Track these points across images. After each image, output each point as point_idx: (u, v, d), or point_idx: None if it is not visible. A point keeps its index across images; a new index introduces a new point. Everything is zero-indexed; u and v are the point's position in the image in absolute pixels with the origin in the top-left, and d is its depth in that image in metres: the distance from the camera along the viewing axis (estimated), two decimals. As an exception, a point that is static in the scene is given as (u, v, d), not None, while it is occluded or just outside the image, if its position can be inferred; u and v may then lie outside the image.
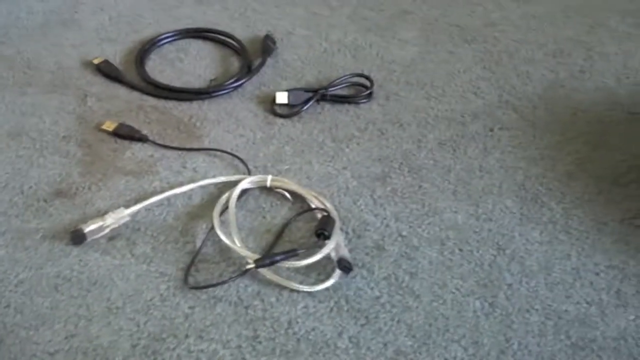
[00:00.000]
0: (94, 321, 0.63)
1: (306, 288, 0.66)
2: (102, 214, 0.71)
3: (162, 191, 0.74)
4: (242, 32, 0.99)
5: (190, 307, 0.64)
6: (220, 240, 0.69)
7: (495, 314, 0.64)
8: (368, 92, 0.89)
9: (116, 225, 0.70)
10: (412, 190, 0.77)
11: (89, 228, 0.69)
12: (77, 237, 0.69)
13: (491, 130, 0.85)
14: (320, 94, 0.87)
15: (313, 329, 0.63)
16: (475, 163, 0.80)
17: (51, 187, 0.75)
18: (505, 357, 0.62)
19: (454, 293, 0.66)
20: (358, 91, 0.90)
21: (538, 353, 0.62)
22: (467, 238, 0.71)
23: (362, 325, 0.63)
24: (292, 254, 0.67)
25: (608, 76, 0.93)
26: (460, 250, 0.70)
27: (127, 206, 0.72)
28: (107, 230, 0.70)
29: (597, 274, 0.68)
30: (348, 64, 0.95)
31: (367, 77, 0.90)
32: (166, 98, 0.88)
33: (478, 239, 0.71)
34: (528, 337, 0.63)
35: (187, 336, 0.62)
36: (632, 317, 0.65)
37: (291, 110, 0.86)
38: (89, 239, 0.69)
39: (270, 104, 0.87)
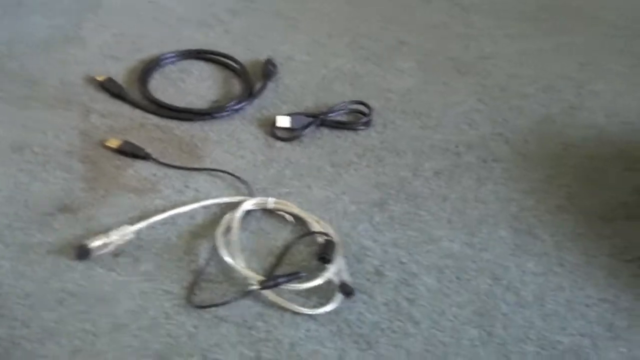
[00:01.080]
0: (100, 337, 0.63)
1: (308, 311, 0.67)
2: (105, 230, 0.72)
3: (165, 210, 0.75)
4: (243, 55, 1.00)
5: (194, 326, 0.65)
6: (223, 260, 0.70)
7: (492, 343, 0.66)
8: (366, 119, 0.91)
9: (121, 242, 0.71)
10: (409, 218, 0.78)
11: (94, 244, 0.69)
12: (83, 253, 0.69)
13: (485, 161, 0.87)
14: (320, 119, 0.89)
15: (315, 352, 0.64)
16: (469, 193, 0.82)
17: (54, 201, 0.76)
18: (501, 384, 0.64)
19: (452, 321, 0.68)
20: (356, 118, 0.92)
21: (533, 382, 0.64)
22: (464, 267, 0.73)
23: (363, 350, 0.65)
24: (295, 276, 0.68)
25: (598, 113, 0.96)
26: (458, 278, 0.72)
27: (130, 223, 0.73)
28: (111, 247, 0.71)
29: (589, 306, 0.70)
30: (346, 91, 0.97)
31: (365, 105, 0.92)
32: (168, 117, 0.89)
33: (475, 268, 0.73)
34: (524, 367, 0.65)
35: (191, 355, 0.63)
36: (623, 349, 0.67)
37: (291, 134, 0.88)
38: (93, 255, 0.70)
39: (270, 127, 0.89)
